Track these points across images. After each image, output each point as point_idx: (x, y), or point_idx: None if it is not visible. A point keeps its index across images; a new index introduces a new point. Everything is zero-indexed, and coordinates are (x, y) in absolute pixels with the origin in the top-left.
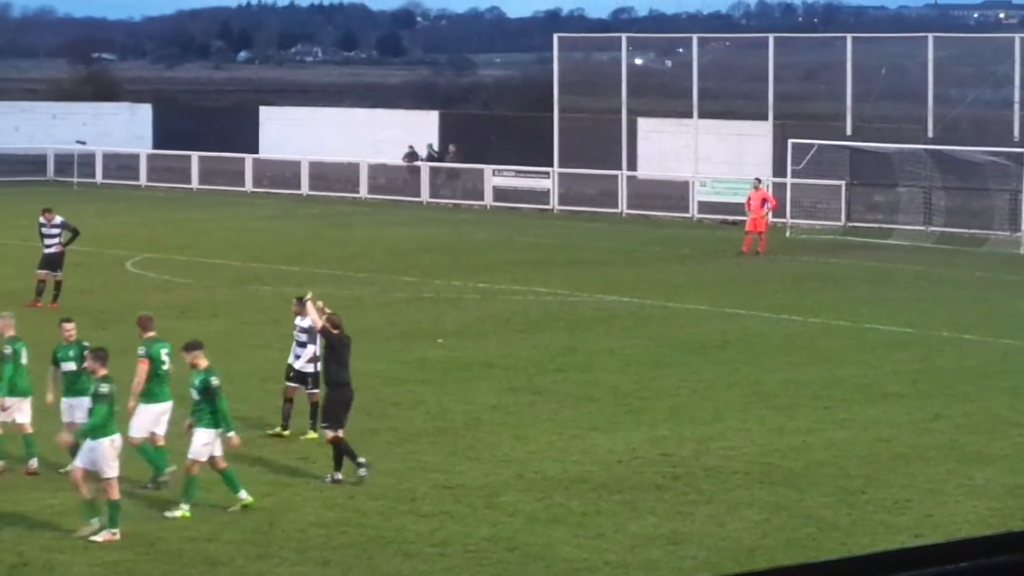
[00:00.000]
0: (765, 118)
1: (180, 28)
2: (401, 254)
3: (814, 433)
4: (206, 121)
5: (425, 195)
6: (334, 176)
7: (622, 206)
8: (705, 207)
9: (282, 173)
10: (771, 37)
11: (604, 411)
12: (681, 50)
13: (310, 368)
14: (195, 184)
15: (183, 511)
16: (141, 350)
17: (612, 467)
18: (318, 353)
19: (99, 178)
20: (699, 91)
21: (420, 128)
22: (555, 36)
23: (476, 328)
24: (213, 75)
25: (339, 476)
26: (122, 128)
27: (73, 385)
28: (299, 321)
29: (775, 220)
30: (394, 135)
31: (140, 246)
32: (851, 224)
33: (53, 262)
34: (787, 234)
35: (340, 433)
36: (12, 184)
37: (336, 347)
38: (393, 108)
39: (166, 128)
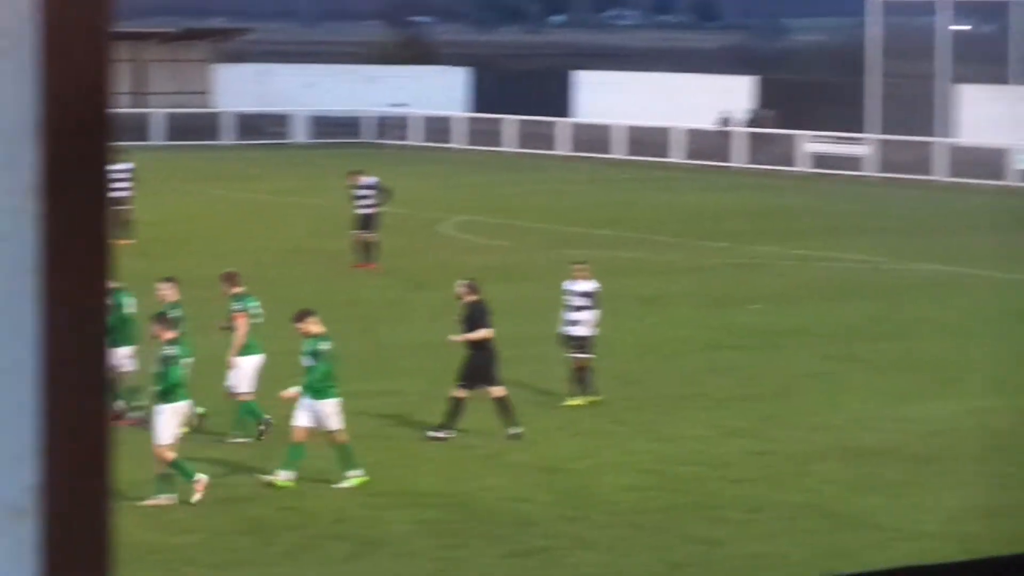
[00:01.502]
0: None
1: None
2: (713, 219)
3: None
4: (520, 85)
5: (738, 160)
6: (647, 141)
7: (938, 173)
8: None
9: (595, 137)
10: None
11: (919, 381)
12: (998, 15)
13: (585, 332)
14: (509, 147)
15: (354, 479)
16: (237, 305)
17: (927, 438)
18: (594, 318)
19: (416, 140)
20: (1018, 57)
21: (733, 93)
22: (870, 1)
23: (789, 295)
24: (527, 39)
25: (443, 435)
26: (438, 91)
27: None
28: (572, 285)
29: None
30: (707, 100)
31: (455, 209)
32: None
33: (367, 223)
34: None
35: (466, 394)
36: (330, 146)
37: (476, 311)
38: (706, 73)
39: (481, 92)
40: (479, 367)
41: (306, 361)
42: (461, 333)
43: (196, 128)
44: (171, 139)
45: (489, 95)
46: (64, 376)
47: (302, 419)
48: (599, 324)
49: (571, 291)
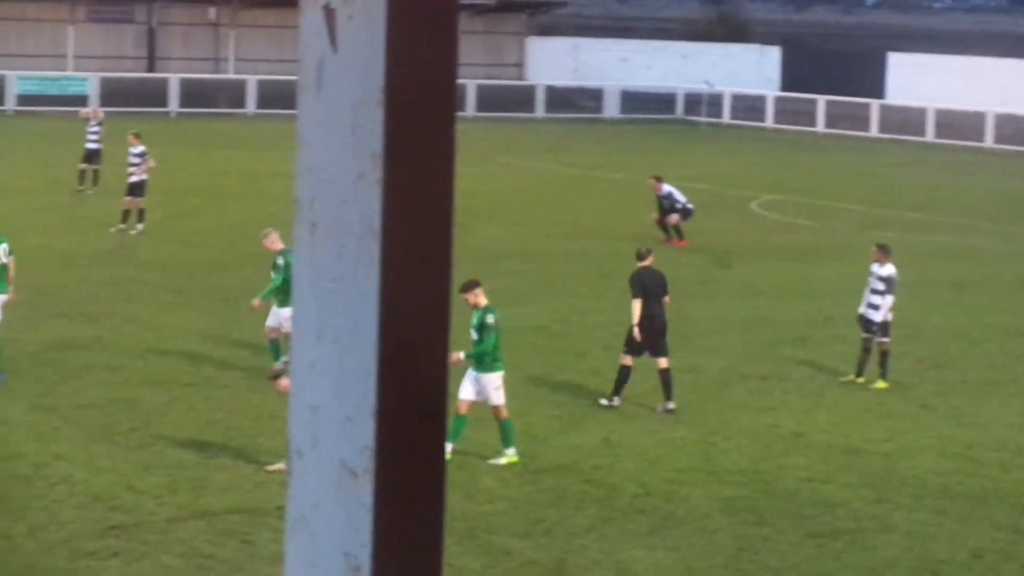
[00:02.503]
0: None
1: None
2: None
3: None
4: (832, 65)
5: None
6: (959, 125)
7: None
8: None
9: (907, 120)
10: None
11: None
12: None
13: (882, 317)
14: (821, 128)
15: (508, 457)
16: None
17: None
18: (887, 303)
19: (727, 118)
20: None
21: None
22: None
23: None
24: (841, 19)
25: (616, 402)
26: (750, 70)
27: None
28: (878, 269)
29: None
30: (1021, 85)
31: (764, 187)
32: None
33: (669, 212)
34: None
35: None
36: (641, 122)
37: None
38: (1021, 58)
39: (793, 71)
40: (645, 336)
41: (473, 334)
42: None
43: (508, 100)
44: (482, 111)
45: (800, 75)
46: (403, 340)
47: (466, 391)
48: (893, 309)
49: (875, 274)
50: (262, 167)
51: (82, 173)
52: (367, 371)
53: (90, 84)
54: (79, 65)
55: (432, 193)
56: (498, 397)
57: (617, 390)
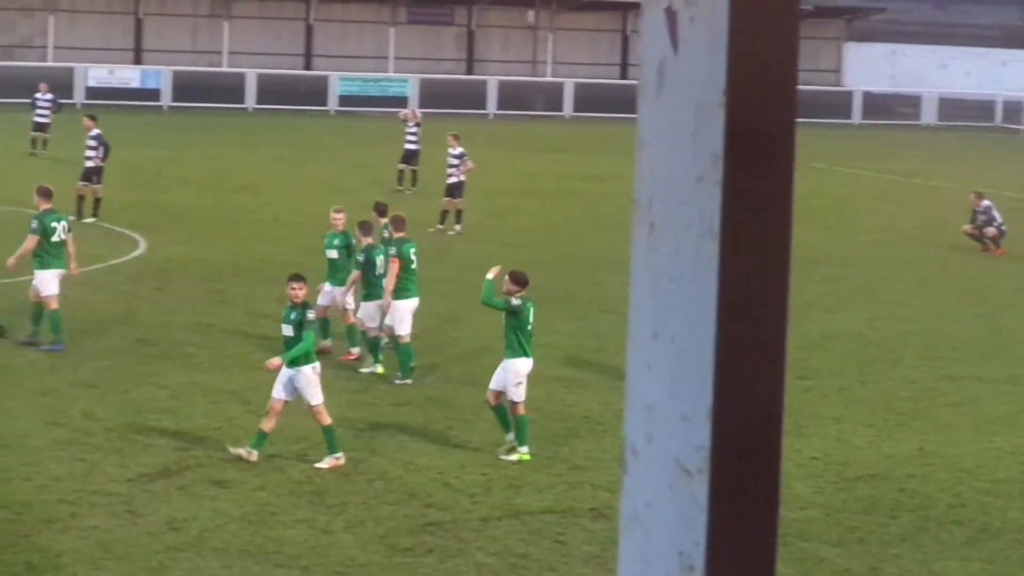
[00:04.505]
0: None
1: None
2: None
3: None
4: None
5: None
6: None
7: None
8: None
9: None
10: None
11: None
12: None
13: None
14: None
15: (520, 454)
16: (392, 249)
17: None
18: None
19: None
20: None
21: None
22: None
23: None
24: None
25: None
26: None
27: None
28: None
29: None
30: None
31: None
32: None
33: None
34: None
35: None
36: (959, 129)
37: None
38: None
39: None
40: None
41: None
42: None
43: (824, 106)
44: (798, 116)
45: None
46: (740, 340)
47: (495, 381)
48: None
49: None
50: (578, 169)
51: (400, 173)
52: (703, 371)
53: (409, 85)
54: (399, 66)
55: (772, 195)
56: (517, 393)
57: None
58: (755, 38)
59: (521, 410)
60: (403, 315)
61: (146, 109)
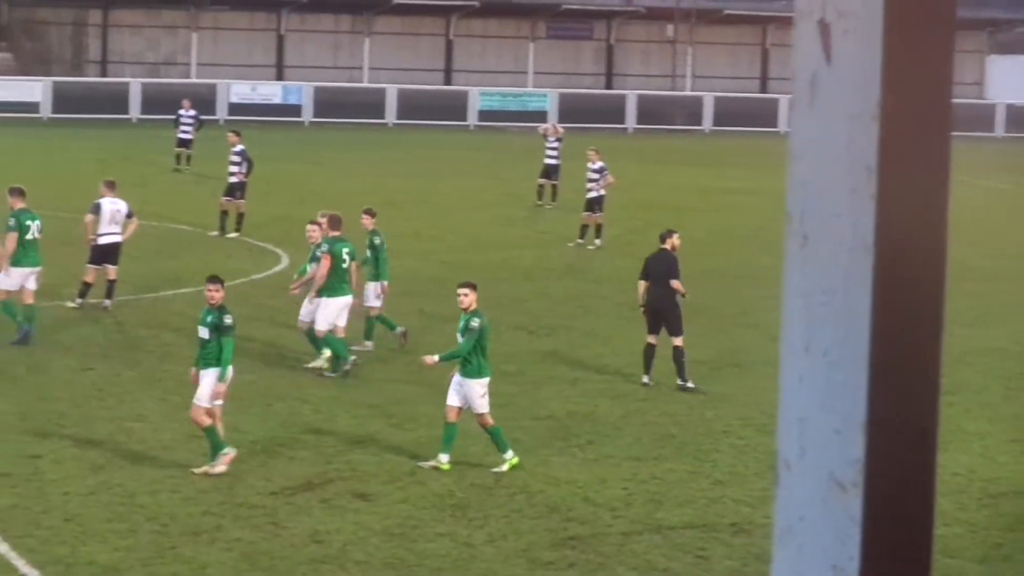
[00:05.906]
0: None
1: None
2: None
3: None
4: None
5: None
6: None
7: None
8: None
9: None
10: None
11: None
12: None
13: None
14: None
15: (509, 461)
16: (324, 247)
17: None
18: None
19: None
20: None
21: None
22: None
23: None
24: None
25: (646, 380)
26: None
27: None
28: None
29: None
30: None
31: None
32: None
33: None
34: None
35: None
36: None
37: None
38: None
39: None
40: (649, 316)
41: (459, 337)
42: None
43: (967, 119)
44: None
45: None
46: (895, 354)
47: (452, 398)
48: None
49: None
50: (717, 183)
51: (540, 188)
52: (857, 384)
53: (549, 100)
54: (538, 81)
55: (927, 208)
56: (482, 405)
57: (646, 368)
58: (910, 49)
59: (490, 420)
60: (331, 311)
61: (287, 125)
